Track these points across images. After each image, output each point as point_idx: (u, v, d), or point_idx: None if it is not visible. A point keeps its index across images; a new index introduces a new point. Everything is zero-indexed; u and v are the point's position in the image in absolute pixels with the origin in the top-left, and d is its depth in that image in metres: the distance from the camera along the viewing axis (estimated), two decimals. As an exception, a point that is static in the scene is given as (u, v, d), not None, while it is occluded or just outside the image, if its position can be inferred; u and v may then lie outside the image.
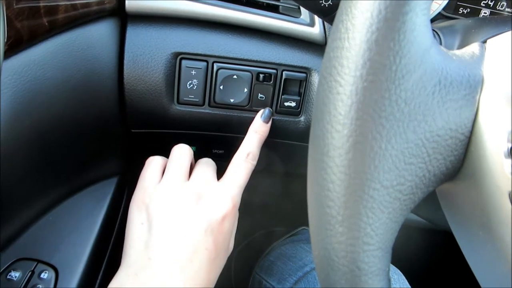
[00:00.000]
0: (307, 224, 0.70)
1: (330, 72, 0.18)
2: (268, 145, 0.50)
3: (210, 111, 0.44)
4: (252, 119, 0.45)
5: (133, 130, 0.45)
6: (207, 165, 0.41)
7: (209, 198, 0.37)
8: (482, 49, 0.21)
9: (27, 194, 0.36)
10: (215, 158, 0.54)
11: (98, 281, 0.42)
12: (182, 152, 0.41)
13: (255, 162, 0.41)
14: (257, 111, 0.44)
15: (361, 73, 0.17)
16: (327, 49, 0.19)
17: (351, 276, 0.19)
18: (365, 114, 0.17)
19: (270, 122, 0.43)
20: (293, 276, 0.53)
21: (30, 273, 0.37)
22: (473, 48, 0.21)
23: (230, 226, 0.37)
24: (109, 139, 0.43)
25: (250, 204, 0.94)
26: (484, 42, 0.23)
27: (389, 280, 0.21)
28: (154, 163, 0.41)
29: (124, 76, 0.40)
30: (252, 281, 0.64)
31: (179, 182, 0.38)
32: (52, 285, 0.37)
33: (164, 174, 0.39)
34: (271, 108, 0.44)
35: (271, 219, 0.86)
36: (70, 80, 0.35)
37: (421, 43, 0.17)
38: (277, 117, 0.45)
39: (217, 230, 0.36)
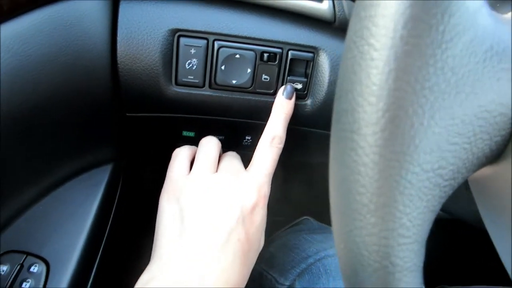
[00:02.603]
0: (307, 214, 0.68)
1: (361, 35, 0.15)
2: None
3: (211, 93, 0.41)
4: (255, 102, 0.42)
5: (128, 114, 0.42)
6: (233, 157, 0.41)
7: (238, 189, 0.36)
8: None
9: (13, 182, 0.34)
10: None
11: (92, 274, 0.39)
12: (210, 143, 0.40)
13: (282, 146, 0.40)
14: (261, 94, 0.42)
15: (402, 34, 0.14)
16: (357, 8, 0.16)
17: (383, 273, 0.17)
18: (405, 84, 0.14)
19: (293, 98, 0.41)
20: (296, 268, 0.51)
21: (18, 266, 0.35)
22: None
23: (260, 217, 0.36)
24: (102, 123, 0.40)
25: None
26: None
27: (422, 277, 0.18)
28: (181, 154, 0.40)
29: (118, 54, 0.37)
30: (253, 272, 0.62)
31: (209, 174, 0.37)
32: (42, 279, 0.34)
33: (194, 165, 0.38)
34: (275, 90, 0.42)
35: (270, 209, 0.84)
36: (58, 57, 0.32)
37: (471, 1, 0.15)
38: (281, 100, 0.42)
39: (249, 220, 0.35)
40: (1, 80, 0.28)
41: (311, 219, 0.64)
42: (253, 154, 0.41)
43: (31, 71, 0.30)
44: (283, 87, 0.41)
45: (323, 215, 0.66)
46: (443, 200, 0.17)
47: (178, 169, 0.38)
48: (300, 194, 0.87)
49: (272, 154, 0.39)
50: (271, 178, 0.38)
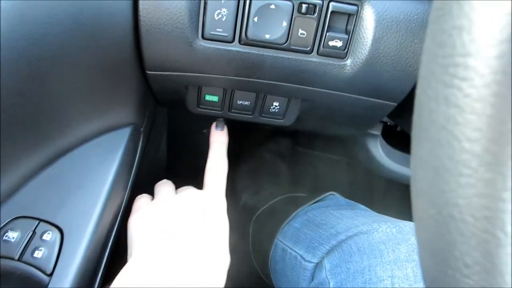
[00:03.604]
0: (332, 190, 0.64)
1: None
2: (302, 95, 0.43)
3: (241, 50, 0.37)
4: (289, 61, 0.38)
5: (148, 72, 0.38)
6: (188, 187, 0.42)
7: (202, 200, 0.38)
8: None
9: (24, 139, 0.30)
10: (239, 110, 0.47)
11: (110, 243, 0.36)
12: (167, 182, 0.43)
13: (226, 169, 0.42)
14: (296, 51, 0.37)
15: None
16: None
17: (492, 246, 0.13)
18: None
19: (226, 129, 0.46)
20: (325, 245, 0.47)
21: (30, 233, 0.32)
22: None
23: (225, 224, 0.38)
24: (120, 80, 0.36)
25: (270, 166, 0.88)
26: None
27: None
28: (142, 196, 0.42)
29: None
30: (275, 248, 0.59)
31: (171, 196, 0.39)
32: (56, 247, 0.31)
33: (155, 196, 0.40)
34: (312, 47, 0.37)
35: (293, 184, 0.81)
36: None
37: None
38: (318, 59, 0.38)
39: (212, 226, 0.37)
40: (13, 14, 0.24)
41: (337, 195, 0.60)
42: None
43: (45, 10, 0.26)
44: (214, 123, 0.46)
45: (349, 192, 0.62)
46: None
47: (141, 201, 0.40)
48: (323, 168, 0.83)
49: (219, 176, 0.41)
50: (224, 195, 0.41)
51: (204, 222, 0.36)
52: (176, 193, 0.40)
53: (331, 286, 0.43)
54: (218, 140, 0.44)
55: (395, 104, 0.43)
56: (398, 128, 0.69)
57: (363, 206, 0.56)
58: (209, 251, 0.35)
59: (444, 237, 0.14)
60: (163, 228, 0.35)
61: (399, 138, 0.62)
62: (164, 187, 0.41)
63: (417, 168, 0.15)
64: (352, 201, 0.58)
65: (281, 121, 0.49)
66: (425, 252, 0.15)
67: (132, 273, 0.31)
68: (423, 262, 0.16)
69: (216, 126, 0.46)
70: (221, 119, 0.47)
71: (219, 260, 0.35)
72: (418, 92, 0.14)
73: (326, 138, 0.85)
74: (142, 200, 0.40)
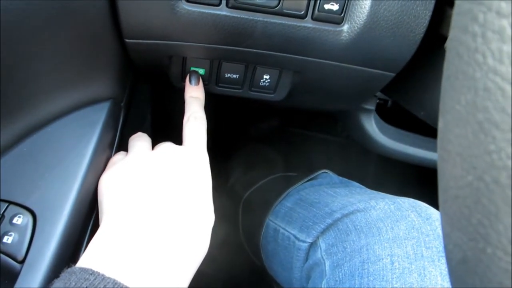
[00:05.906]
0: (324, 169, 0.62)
1: None
2: (295, 66, 0.41)
3: (228, 14, 0.33)
4: (281, 27, 0.35)
5: (127, 40, 0.35)
6: (166, 142, 0.38)
7: (181, 156, 0.35)
8: None
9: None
10: (227, 84, 0.44)
11: (90, 226, 0.33)
12: (142, 135, 0.39)
13: (205, 122, 0.38)
14: (288, 16, 0.34)
15: None
16: None
17: None
18: None
19: (201, 83, 0.42)
20: (320, 224, 0.45)
21: (-1, 217, 0.29)
22: None
23: (207, 179, 0.35)
24: (97, 49, 0.33)
25: (259, 147, 0.85)
26: None
27: None
28: (119, 153, 0.38)
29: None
30: (266, 229, 0.57)
31: (147, 152, 0.36)
32: (28, 233, 0.28)
33: (129, 151, 0.37)
34: (306, 12, 0.34)
35: (283, 165, 0.78)
36: None
37: None
38: (312, 25, 0.35)
39: (195, 181, 0.34)
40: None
41: (330, 173, 0.58)
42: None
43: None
44: (187, 76, 0.41)
45: (342, 173, 0.60)
46: None
47: (116, 158, 0.37)
48: (315, 150, 0.81)
49: (199, 130, 0.37)
50: (206, 149, 0.37)
51: (183, 178, 0.33)
52: (153, 149, 0.37)
53: (326, 266, 0.41)
54: (194, 96, 0.40)
55: (393, 74, 0.41)
56: (389, 104, 0.67)
57: (357, 184, 0.54)
58: (190, 211, 0.31)
59: (485, 207, 0.11)
60: (135, 187, 0.31)
61: (390, 115, 0.60)
62: (139, 141, 0.37)
63: (450, 126, 0.12)
64: (346, 179, 0.56)
65: (271, 95, 0.47)
66: (454, 227, 0.13)
67: (100, 245, 0.27)
68: (451, 239, 0.13)
69: (190, 80, 0.41)
70: (195, 71, 0.42)
71: (202, 220, 0.32)
72: (453, 32, 0.12)
73: (317, 117, 0.82)
74: (117, 157, 0.37)
